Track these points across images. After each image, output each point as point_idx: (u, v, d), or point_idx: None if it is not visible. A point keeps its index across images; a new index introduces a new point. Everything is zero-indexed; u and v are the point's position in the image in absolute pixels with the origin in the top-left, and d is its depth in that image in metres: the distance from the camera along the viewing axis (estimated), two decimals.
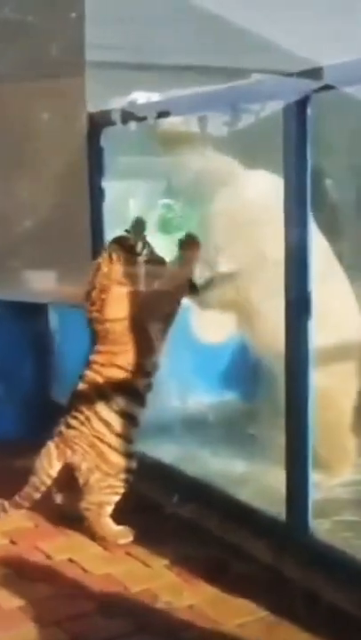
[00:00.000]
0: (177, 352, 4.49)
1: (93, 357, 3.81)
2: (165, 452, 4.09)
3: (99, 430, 3.76)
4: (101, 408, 3.77)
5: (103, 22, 4.65)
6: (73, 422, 3.78)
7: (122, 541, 3.73)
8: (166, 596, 3.31)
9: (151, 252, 3.83)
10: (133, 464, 3.82)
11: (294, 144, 3.33)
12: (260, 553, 3.51)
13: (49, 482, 3.73)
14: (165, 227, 5.10)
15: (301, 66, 3.44)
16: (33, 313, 4.89)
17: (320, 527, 3.44)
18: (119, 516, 3.80)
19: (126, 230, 3.86)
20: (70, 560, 3.62)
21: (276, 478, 3.55)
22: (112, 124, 4.31)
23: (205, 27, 5.56)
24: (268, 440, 3.86)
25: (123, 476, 3.79)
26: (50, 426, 3.85)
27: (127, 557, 3.65)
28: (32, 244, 4.56)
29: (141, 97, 4.32)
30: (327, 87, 3.21)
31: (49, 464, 3.73)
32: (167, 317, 3.83)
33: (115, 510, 3.80)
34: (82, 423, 3.76)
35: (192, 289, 3.90)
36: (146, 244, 3.82)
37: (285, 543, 3.44)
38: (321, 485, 3.77)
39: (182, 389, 4.51)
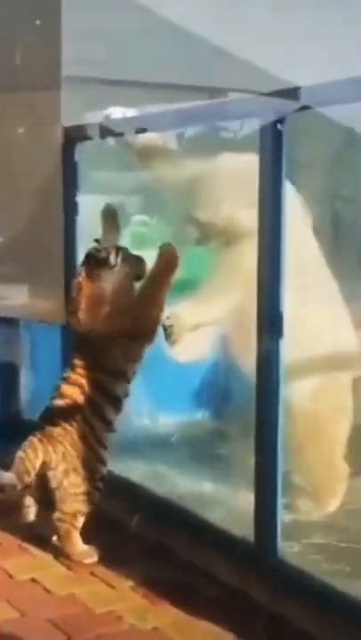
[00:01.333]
0: (149, 369, 4.47)
1: (76, 361, 3.78)
2: (133, 470, 4.03)
3: (84, 431, 3.71)
4: (87, 411, 3.73)
5: (79, 37, 4.63)
6: (58, 420, 3.72)
7: (87, 561, 3.67)
8: (131, 619, 3.25)
9: (126, 255, 3.76)
10: (105, 471, 3.78)
11: (270, 162, 3.31)
12: (227, 575, 3.46)
13: (32, 473, 3.64)
14: (140, 242, 5.08)
15: (278, 86, 3.43)
16: (4, 329, 4.83)
17: (289, 550, 3.40)
18: (85, 534, 3.74)
19: (95, 240, 3.80)
20: (33, 580, 3.56)
21: (245, 499, 3.52)
22: (87, 138, 4.28)
23: (182, 45, 5.55)
24: (238, 461, 3.82)
25: (98, 483, 3.74)
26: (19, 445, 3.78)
27: (91, 578, 3.59)
28: (4, 258, 4.51)
29: (117, 112, 4.29)
30: (304, 108, 3.21)
31: (34, 454, 3.64)
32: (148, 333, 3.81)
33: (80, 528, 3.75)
34: (68, 422, 3.71)
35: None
36: (119, 250, 3.76)
37: (253, 566, 3.39)
38: (309, 514, 3.74)
39: (152, 408, 4.47)
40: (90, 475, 3.72)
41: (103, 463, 3.77)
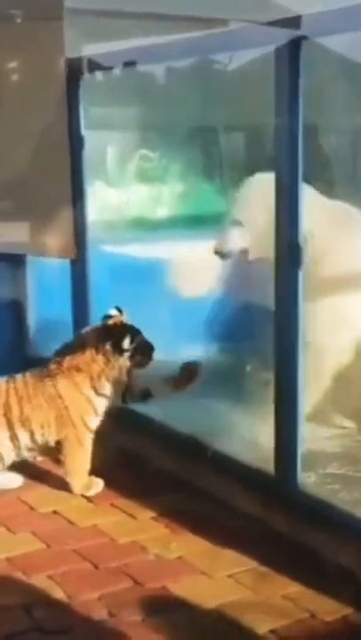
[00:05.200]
0: (156, 306, 4.45)
1: None
2: (151, 406, 4.03)
3: None
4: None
5: None
6: None
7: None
8: (155, 548, 3.29)
9: (140, 343, 3.77)
10: None
11: (287, 90, 3.25)
12: (248, 506, 3.49)
13: None
14: (143, 176, 5.03)
15: (278, 14, 3.37)
16: (10, 265, 4.79)
17: (307, 480, 3.43)
18: (105, 469, 3.76)
19: (108, 316, 3.80)
20: (55, 512, 3.59)
21: (263, 431, 3.54)
22: (91, 70, 4.20)
23: None
24: (256, 393, 3.83)
25: None
26: None
27: (113, 509, 3.62)
28: (10, 194, 4.44)
29: (118, 44, 4.21)
30: (304, 37, 3.17)
31: None
32: None
33: (98, 464, 3.76)
34: None
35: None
36: (134, 336, 3.75)
37: (274, 496, 3.42)
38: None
39: (166, 344, 4.47)
40: None
41: None
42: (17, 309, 4.87)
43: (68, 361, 3.75)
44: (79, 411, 3.72)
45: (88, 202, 4.35)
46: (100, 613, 2.87)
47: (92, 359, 3.72)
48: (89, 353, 3.73)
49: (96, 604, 2.92)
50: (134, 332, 3.76)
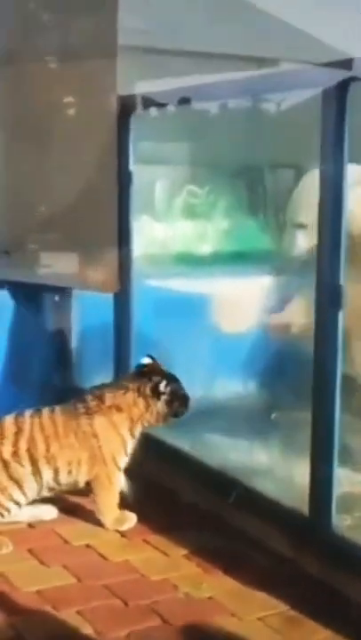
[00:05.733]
0: (197, 341, 4.46)
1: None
2: (186, 441, 4.03)
3: None
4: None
5: (135, 6, 4.60)
6: None
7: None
8: (186, 587, 3.27)
9: (175, 390, 3.76)
10: None
11: (333, 130, 3.26)
12: (280, 547, 3.47)
13: None
14: (190, 213, 5.06)
15: (331, 56, 3.39)
16: (56, 295, 4.84)
17: (343, 523, 3.39)
18: (137, 504, 3.76)
19: (150, 356, 3.83)
20: (88, 546, 3.59)
21: (298, 471, 3.52)
22: (143, 107, 4.25)
23: (237, 15, 5.50)
24: (291, 432, 3.81)
25: None
26: None
27: (145, 545, 3.61)
28: (59, 227, 4.51)
29: (169, 82, 4.27)
30: (355, 79, 3.17)
31: None
32: None
33: (132, 499, 3.77)
34: None
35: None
36: (169, 381, 3.75)
37: (308, 538, 3.39)
38: None
39: (204, 378, 4.47)
40: None
41: None
42: (59, 340, 4.91)
43: (109, 399, 3.75)
44: (112, 450, 3.71)
45: (134, 236, 4.39)
46: None
47: (133, 402, 3.73)
48: (131, 395, 3.74)
49: None
50: (170, 378, 3.77)
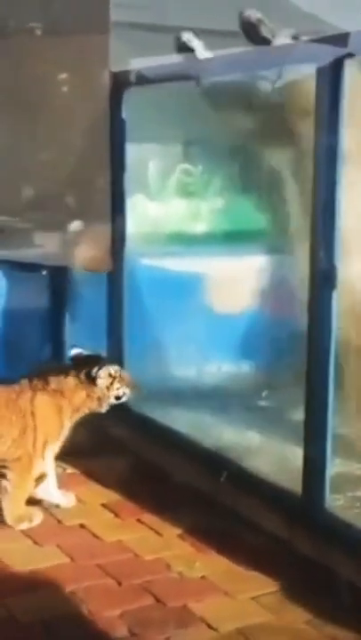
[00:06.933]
0: (192, 321, 4.44)
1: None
2: (179, 420, 4.02)
3: None
4: None
5: None
6: None
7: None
8: (179, 566, 3.27)
9: (111, 374, 3.69)
10: None
11: (328, 107, 3.23)
12: (274, 526, 3.47)
13: None
14: (183, 191, 5.02)
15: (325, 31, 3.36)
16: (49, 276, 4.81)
17: (335, 503, 3.39)
18: (130, 484, 3.76)
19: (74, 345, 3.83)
20: (82, 525, 3.59)
21: (291, 451, 3.51)
22: (134, 84, 4.21)
23: None
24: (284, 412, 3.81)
25: None
26: None
27: (139, 525, 3.61)
28: (50, 205, 4.47)
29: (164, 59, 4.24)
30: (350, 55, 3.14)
31: None
32: None
33: (126, 479, 3.76)
34: None
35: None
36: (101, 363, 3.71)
37: (301, 517, 3.39)
38: None
39: (197, 358, 4.46)
40: None
41: None
42: (54, 319, 4.89)
43: (54, 382, 3.64)
44: (46, 433, 3.60)
45: (128, 214, 4.36)
46: (120, 631, 2.86)
47: (75, 387, 3.65)
48: (72, 380, 3.65)
49: (117, 622, 2.91)
50: (104, 361, 3.72)
